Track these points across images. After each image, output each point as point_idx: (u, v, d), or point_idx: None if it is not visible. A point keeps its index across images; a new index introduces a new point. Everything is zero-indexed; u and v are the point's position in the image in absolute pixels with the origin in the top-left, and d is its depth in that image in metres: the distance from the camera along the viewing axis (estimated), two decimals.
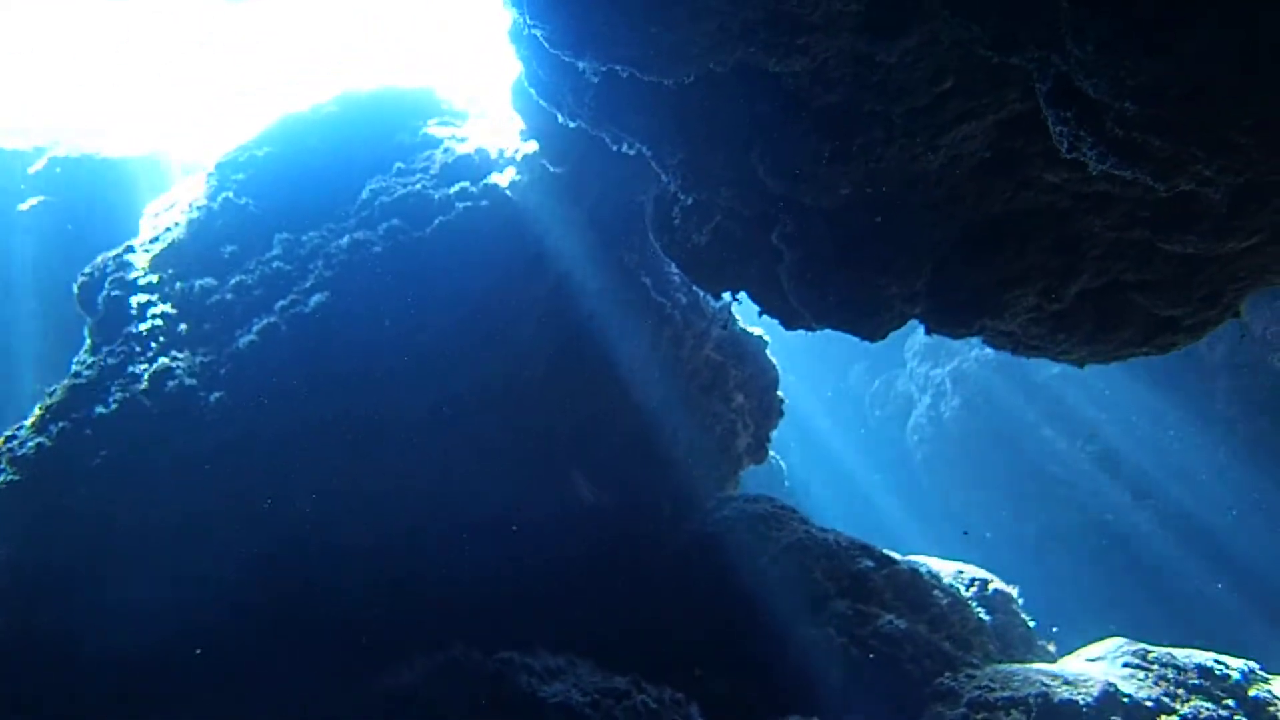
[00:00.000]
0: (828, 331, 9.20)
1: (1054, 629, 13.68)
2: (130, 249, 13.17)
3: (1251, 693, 10.12)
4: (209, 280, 12.30)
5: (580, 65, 6.14)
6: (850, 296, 8.39)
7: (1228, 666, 10.32)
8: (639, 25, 5.27)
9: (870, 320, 8.63)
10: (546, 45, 6.27)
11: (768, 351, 15.58)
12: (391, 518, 11.43)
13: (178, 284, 12.38)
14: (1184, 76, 3.25)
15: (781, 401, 15.84)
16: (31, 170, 19.68)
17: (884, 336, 8.89)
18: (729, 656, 10.50)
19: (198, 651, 9.94)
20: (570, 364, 12.89)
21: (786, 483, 22.71)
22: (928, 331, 9.19)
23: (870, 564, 11.75)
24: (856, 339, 8.97)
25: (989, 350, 23.88)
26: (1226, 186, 4.07)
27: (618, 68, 5.99)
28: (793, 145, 7.43)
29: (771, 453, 17.81)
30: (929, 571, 12.46)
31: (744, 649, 10.56)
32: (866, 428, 29.95)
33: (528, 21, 6.14)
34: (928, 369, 25.77)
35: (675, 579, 11.80)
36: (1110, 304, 8.39)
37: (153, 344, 11.72)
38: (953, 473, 25.05)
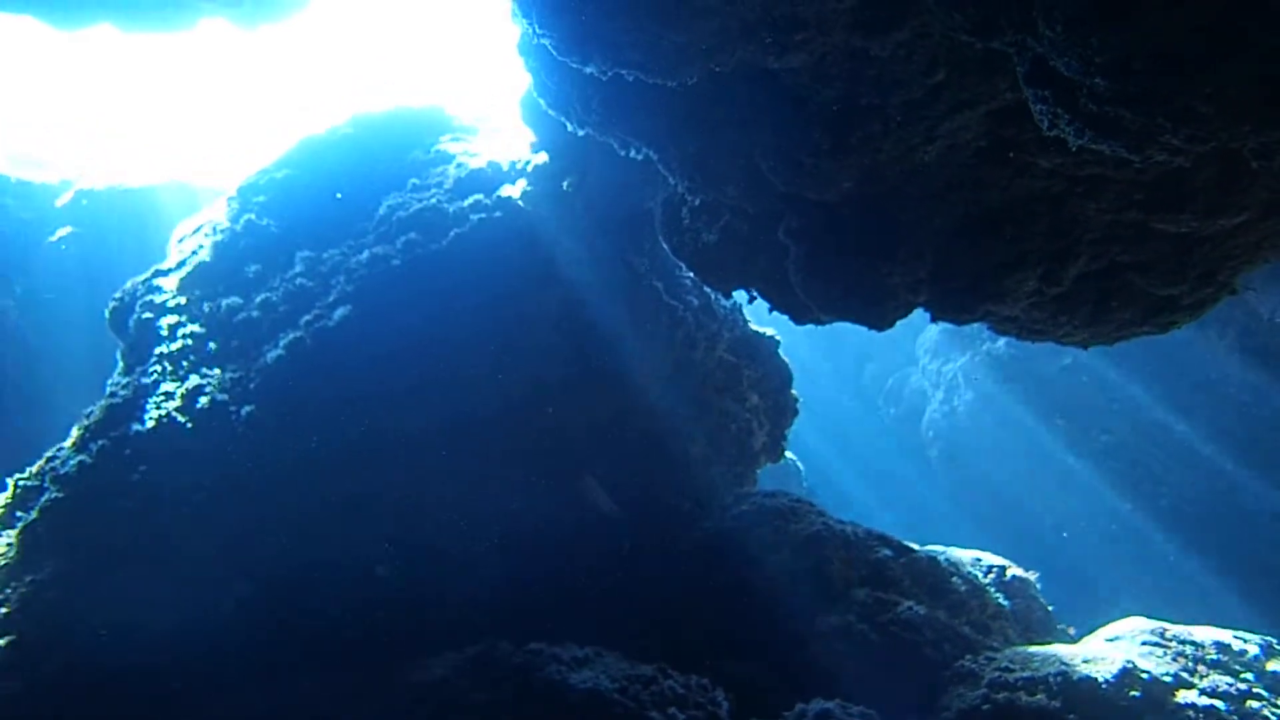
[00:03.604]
0: (841, 334, 9.44)
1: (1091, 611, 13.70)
2: (158, 273, 13.62)
3: (1270, 666, 10.22)
4: (235, 299, 12.71)
5: (588, 70, 6.47)
6: (856, 286, 8.64)
7: (1245, 641, 10.43)
8: (644, 28, 5.59)
9: (876, 309, 8.86)
10: (555, 53, 6.60)
11: (780, 351, 15.82)
12: (414, 527, 11.73)
13: (205, 304, 12.79)
14: (1146, 50, 3.52)
15: (796, 400, 16.06)
16: (59, 203, 20.30)
17: (891, 325, 9.12)
18: (752, 646, 10.70)
19: (225, 657, 10.23)
20: (586, 369, 13.15)
21: (805, 483, 22.86)
22: (933, 319, 9.42)
23: (888, 553, 11.92)
24: (868, 341, 9.21)
25: (1000, 343, 24.06)
26: (1196, 156, 4.34)
27: (623, 72, 6.32)
28: (794, 141, 7.72)
29: (788, 453, 18.01)
30: (947, 559, 12.61)
31: (766, 638, 10.76)
32: (880, 425, 30.07)
33: (536, 30, 6.48)
34: (940, 365, 25.95)
35: (696, 574, 11.99)
36: (1109, 286, 8.59)
37: (184, 362, 12.12)
38: (968, 466, 25.18)
